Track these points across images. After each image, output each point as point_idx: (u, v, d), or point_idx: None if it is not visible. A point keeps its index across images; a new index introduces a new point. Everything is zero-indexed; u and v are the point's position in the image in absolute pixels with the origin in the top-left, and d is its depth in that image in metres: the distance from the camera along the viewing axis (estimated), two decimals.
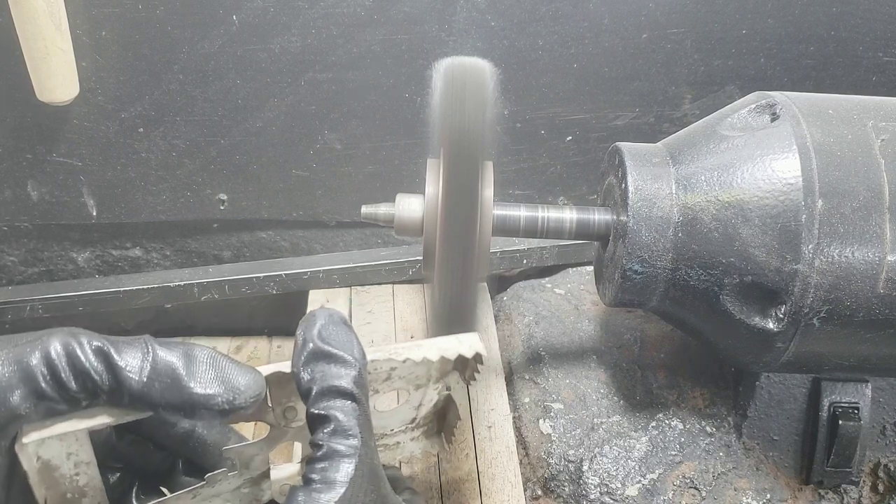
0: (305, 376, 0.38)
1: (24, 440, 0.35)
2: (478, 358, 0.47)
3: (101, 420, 0.36)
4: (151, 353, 0.36)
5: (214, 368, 0.37)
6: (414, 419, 0.52)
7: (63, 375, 0.34)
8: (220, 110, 0.87)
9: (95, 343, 0.35)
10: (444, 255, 0.52)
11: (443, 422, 0.53)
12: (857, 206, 0.57)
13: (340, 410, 0.37)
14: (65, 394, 0.35)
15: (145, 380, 0.35)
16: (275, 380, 0.41)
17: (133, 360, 0.35)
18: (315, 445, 0.37)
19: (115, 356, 0.35)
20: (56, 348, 0.34)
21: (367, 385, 0.39)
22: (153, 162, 0.90)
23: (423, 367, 0.46)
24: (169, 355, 0.36)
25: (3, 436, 0.35)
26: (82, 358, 0.35)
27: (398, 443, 0.53)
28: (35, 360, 0.34)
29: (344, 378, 0.38)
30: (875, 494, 0.74)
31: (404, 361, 0.44)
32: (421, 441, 0.53)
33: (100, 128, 0.87)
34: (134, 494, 0.43)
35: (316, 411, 0.37)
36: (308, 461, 0.37)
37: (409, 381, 0.47)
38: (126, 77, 0.84)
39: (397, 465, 0.51)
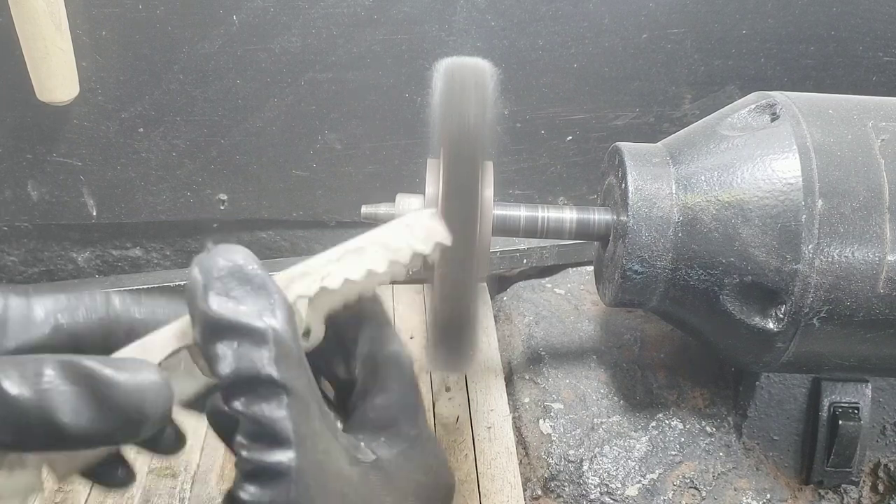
0: (210, 352, 0.29)
1: None
2: (439, 249, 0.36)
3: None
4: None
5: (93, 394, 0.28)
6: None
7: None
8: (221, 110, 0.87)
9: None
10: (445, 256, 0.52)
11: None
12: (857, 206, 0.57)
13: (262, 407, 0.28)
14: None
15: (5, 432, 0.27)
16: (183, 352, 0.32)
17: None
18: (238, 455, 0.29)
19: None
20: None
21: (296, 344, 0.30)
22: (153, 162, 0.90)
23: (368, 280, 0.35)
24: (15, 388, 0.26)
25: None
26: None
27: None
28: None
29: (258, 359, 0.29)
30: (875, 494, 0.74)
31: (343, 284, 0.34)
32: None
33: (100, 128, 0.87)
34: None
35: (234, 407, 0.29)
36: (235, 480, 0.29)
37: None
38: (126, 77, 0.84)
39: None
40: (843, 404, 0.71)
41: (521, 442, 0.79)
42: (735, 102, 0.67)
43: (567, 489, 0.73)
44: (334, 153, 0.91)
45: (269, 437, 0.28)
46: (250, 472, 0.28)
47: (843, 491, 0.74)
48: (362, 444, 0.33)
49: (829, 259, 0.57)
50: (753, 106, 0.64)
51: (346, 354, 0.37)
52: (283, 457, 0.28)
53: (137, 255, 0.98)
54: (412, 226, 0.36)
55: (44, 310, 0.32)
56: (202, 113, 0.87)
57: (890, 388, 0.75)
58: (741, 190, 0.59)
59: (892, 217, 0.57)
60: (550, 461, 0.75)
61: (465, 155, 0.51)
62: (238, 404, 0.29)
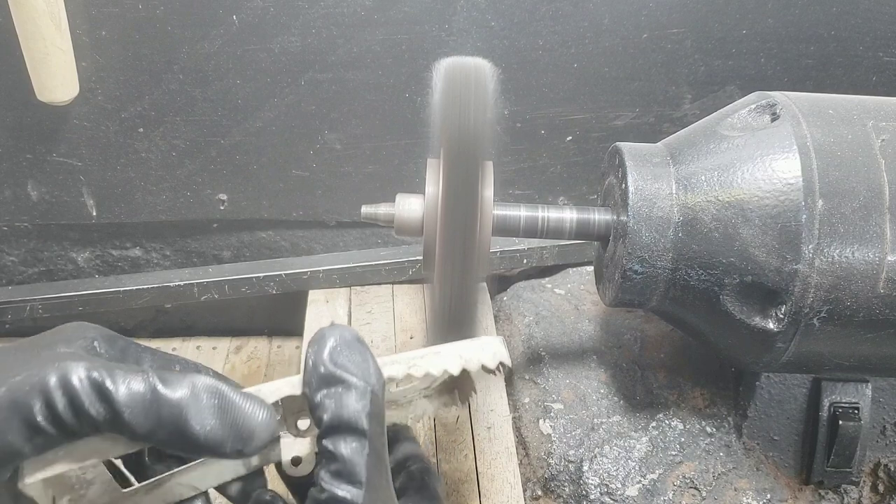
0: (316, 400, 0.36)
1: (27, 480, 0.34)
2: (501, 367, 0.44)
3: (100, 455, 0.35)
4: (152, 392, 0.34)
5: (222, 410, 0.35)
6: (427, 388, 0.50)
7: (60, 409, 0.33)
8: (220, 110, 0.87)
9: (94, 375, 0.33)
10: (444, 256, 0.52)
11: (456, 383, 0.51)
12: (858, 206, 0.57)
13: (348, 449, 0.35)
14: (62, 428, 0.33)
15: (146, 423, 0.34)
16: (285, 402, 0.39)
17: (133, 400, 0.33)
18: (318, 485, 0.35)
19: (114, 392, 0.33)
20: (52, 382, 0.33)
21: (383, 411, 0.37)
22: (153, 162, 0.90)
23: (440, 379, 0.44)
24: (172, 394, 0.34)
25: (2, 471, 0.34)
26: (80, 394, 0.33)
27: (410, 401, 0.49)
28: (31, 395, 0.32)
29: (356, 410, 0.35)
30: (875, 495, 0.74)
31: (424, 377, 0.42)
32: (434, 400, 0.50)
33: (100, 128, 0.87)
34: (146, 455, 0.41)
35: (324, 445, 0.35)
36: (310, 499, 0.35)
37: (424, 392, 0.46)
38: (126, 77, 0.84)
39: (409, 423, 0.49)
40: (843, 404, 0.71)
41: (521, 442, 0.78)
42: (735, 102, 0.67)
43: (567, 489, 0.73)
44: (334, 153, 0.91)
45: (348, 475, 0.35)
46: (323, 501, 0.34)
47: (843, 491, 0.74)
48: None
49: (830, 259, 0.57)
50: (753, 106, 0.64)
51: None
52: (355, 494, 0.34)
53: (137, 255, 0.98)
54: (484, 346, 0.44)
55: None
56: (202, 113, 0.87)
57: (890, 388, 0.75)
58: (741, 190, 0.59)
59: (892, 217, 0.57)
60: (550, 461, 0.75)
61: (465, 155, 0.51)
62: (329, 443, 0.35)
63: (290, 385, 0.38)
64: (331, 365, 0.36)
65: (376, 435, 0.36)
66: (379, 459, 0.36)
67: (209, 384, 0.35)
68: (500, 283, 1.00)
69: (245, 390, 0.37)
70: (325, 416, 0.35)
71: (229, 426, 0.35)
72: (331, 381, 0.36)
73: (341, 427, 0.35)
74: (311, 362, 0.36)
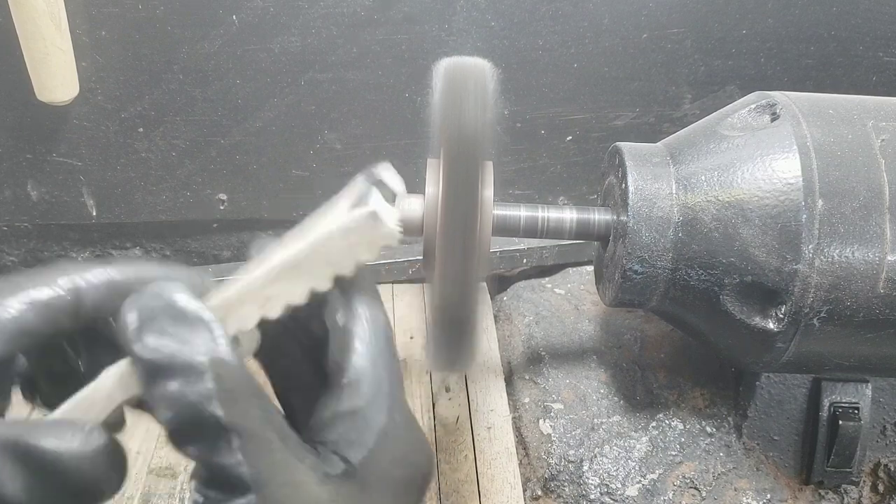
0: (151, 399, 0.27)
1: None
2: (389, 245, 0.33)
3: None
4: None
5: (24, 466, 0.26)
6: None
7: None
8: (220, 110, 0.87)
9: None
10: (444, 256, 0.52)
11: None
12: (858, 206, 0.57)
13: (214, 451, 0.26)
14: None
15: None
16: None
17: None
18: (194, 498, 0.27)
19: None
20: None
21: (246, 377, 0.28)
22: (153, 162, 0.90)
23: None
24: None
25: None
26: None
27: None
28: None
29: (201, 399, 0.26)
30: (875, 495, 0.74)
31: (283, 311, 0.32)
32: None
33: (99, 128, 0.87)
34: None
35: (182, 451, 0.27)
36: None
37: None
38: (126, 77, 0.84)
39: None
40: (843, 404, 0.71)
41: (521, 442, 0.78)
42: (735, 102, 0.67)
43: (567, 489, 0.73)
44: (334, 153, 0.91)
45: (225, 483, 0.26)
46: None
47: (843, 491, 0.74)
48: (331, 452, 0.30)
49: (830, 259, 0.57)
50: (753, 106, 0.64)
51: (320, 316, 0.34)
52: (243, 502, 0.26)
53: (137, 255, 0.98)
54: (351, 231, 0.33)
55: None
56: (202, 113, 0.87)
57: (890, 388, 0.75)
58: (741, 190, 0.59)
59: (892, 217, 0.57)
60: (550, 461, 0.75)
61: (465, 155, 0.51)
62: (189, 451, 0.27)
63: (124, 383, 0.29)
64: (152, 348, 0.27)
65: (242, 414, 0.27)
66: (258, 439, 0.27)
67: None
68: (500, 283, 1.00)
69: (64, 408, 0.29)
70: (166, 418, 0.26)
71: (52, 485, 0.26)
72: (158, 369, 0.27)
73: (192, 426, 0.26)
74: (130, 351, 0.28)
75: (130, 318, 0.28)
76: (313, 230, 0.33)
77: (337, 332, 0.33)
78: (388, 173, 0.37)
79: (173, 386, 0.26)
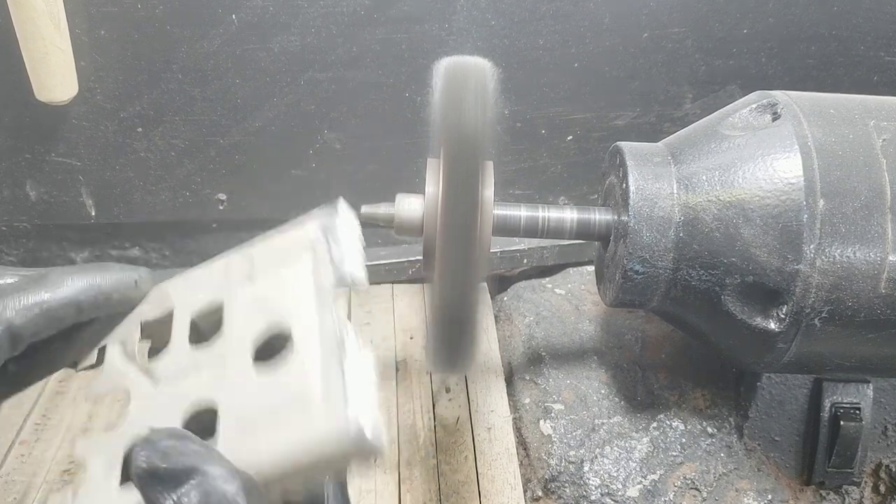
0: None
1: None
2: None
3: None
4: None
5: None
6: None
7: None
8: (220, 110, 0.87)
9: None
10: (444, 256, 0.52)
11: None
12: (859, 206, 0.57)
13: None
14: None
15: None
16: None
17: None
18: None
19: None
20: None
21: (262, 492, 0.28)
22: (152, 162, 0.90)
23: None
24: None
25: None
26: None
27: None
28: None
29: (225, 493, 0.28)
30: (877, 495, 0.74)
31: None
32: None
33: (98, 127, 0.87)
34: None
35: None
36: None
37: None
38: (125, 76, 0.84)
39: None
40: (844, 405, 0.71)
41: (522, 443, 0.78)
42: (736, 102, 0.67)
43: (568, 490, 0.73)
44: (334, 153, 0.91)
45: None
46: None
47: (844, 492, 0.74)
48: None
49: (831, 259, 0.57)
50: (755, 105, 0.63)
51: None
52: None
53: (136, 255, 0.98)
54: (332, 457, 0.32)
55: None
56: (201, 112, 0.87)
57: (892, 388, 0.75)
58: (742, 190, 0.59)
59: (893, 217, 0.57)
60: (551, 462, 0.74)
61: (465, 155, 0.51)
62: None
63: None
64: (150, 463, 0.28)
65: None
66: None
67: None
68: (500, 283, 1.00)
69: None
70: None
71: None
72: (178, 477, 0.28)
73: None
74: (142, 466, 0.28)
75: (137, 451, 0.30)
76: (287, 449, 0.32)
77: None
78: (342, 219, 0.37)
79: (199, 484, 0.28)
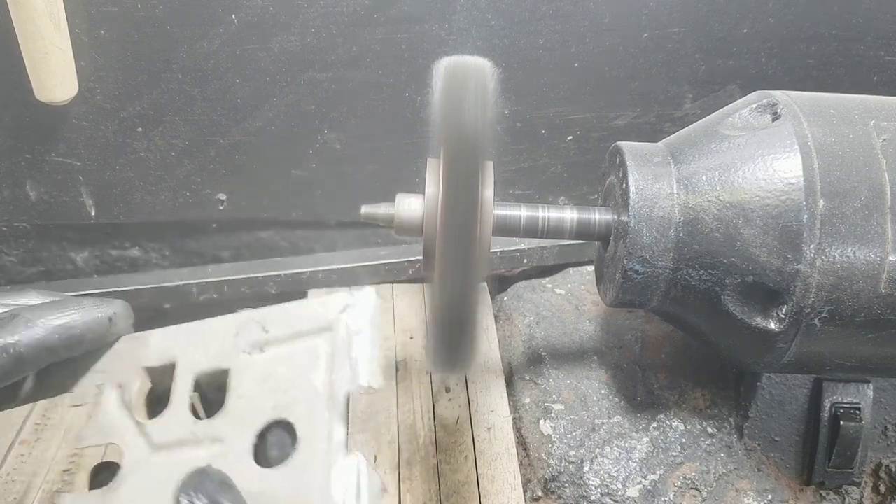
0: None
1: None
2: None
3: None
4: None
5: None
6: None
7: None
8: (220, 110, 0.87)
9: None
10: (444, 256, 0.52)
11: None
12: (859, 206, 0.57)
13: None
14: None
15: None
16: None
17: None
18: None
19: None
20: None
21: None
22: (152, 162, 0.90)
23: None
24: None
25: None
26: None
27: None
28: None
29: None
30: (876, 495, 0.74)
31: None
32: None
33: (98, 127, 0.87)
34: None
35: None
36: None
37: None
38: (125, 76, 0.84)
39: None
40: (844, 405, 0.71)
41: (522, 443, 0.78)
42: (736, 102, 0.67)
43: (568, 490, 0.73)
44: (334, 153, 0.91)
45: None
46: None
47: (844, 492, 0.74)
48: None
49: (831, 259, 0.57)
50: (755, 105, 0.63)
51: None
52: None
53: (136, 255, 0.98)
54: None
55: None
56: (201, 112, 0.87)
57: (892, 388, 0.75)
58: (742, 190, 0.59)
59: (893, 217, 0.57)
60: (551, 462, 0.74)
61: (465, 155, 0.51)
62: None
63: None
64: None
65: None
66: None
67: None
68: (500, 283, 1.00)
69: None
70: None
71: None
72: None
73: None
74: None
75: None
76: None
77: None
78: (363, 298, 0.37)
79: None
